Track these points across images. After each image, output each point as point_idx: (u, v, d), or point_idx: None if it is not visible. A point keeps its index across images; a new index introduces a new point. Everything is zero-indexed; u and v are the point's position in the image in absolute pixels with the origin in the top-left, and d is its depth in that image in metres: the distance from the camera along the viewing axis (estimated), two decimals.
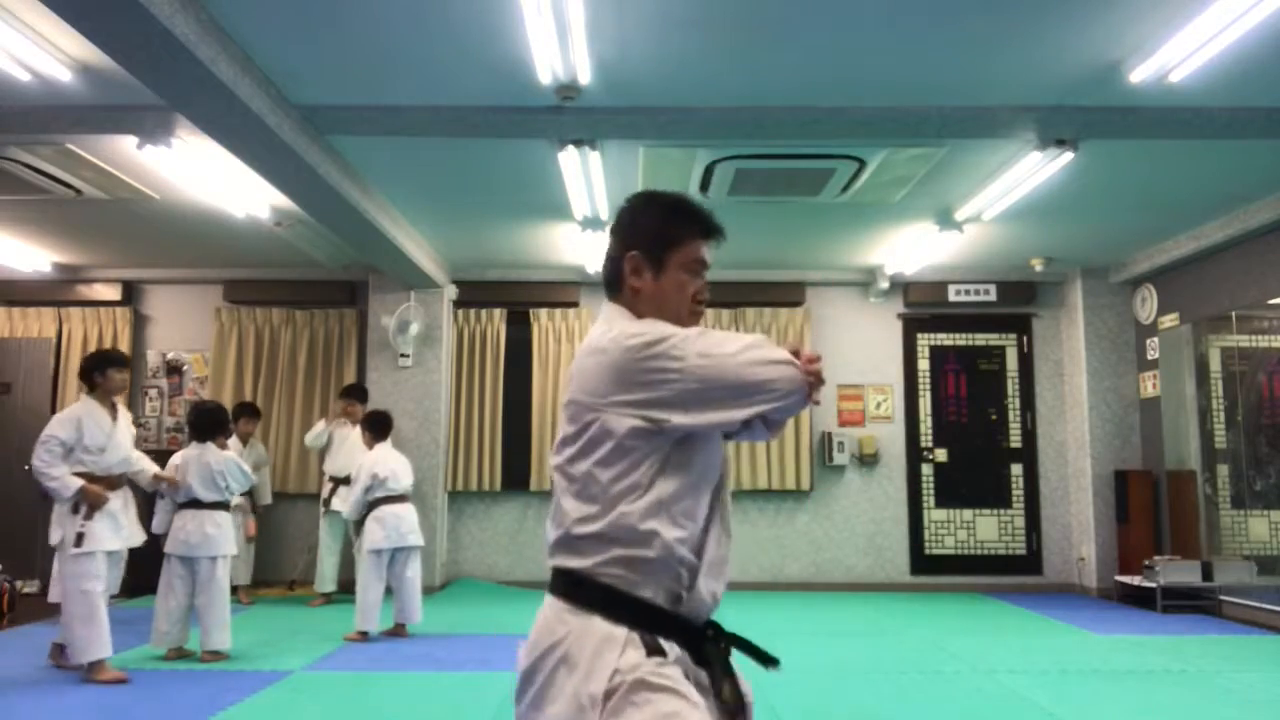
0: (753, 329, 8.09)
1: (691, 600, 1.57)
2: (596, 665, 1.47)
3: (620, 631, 1.50)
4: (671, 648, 1.52)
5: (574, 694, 1.46)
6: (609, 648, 1.48)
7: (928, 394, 8.27)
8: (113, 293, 8.15)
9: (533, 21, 3.55)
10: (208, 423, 5.28)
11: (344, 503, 6.76)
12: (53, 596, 4.87)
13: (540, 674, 1.53)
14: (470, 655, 5.22)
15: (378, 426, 5.95)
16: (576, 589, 1.55)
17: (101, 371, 4.82)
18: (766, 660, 1.66)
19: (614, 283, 1.73)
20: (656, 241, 1.70)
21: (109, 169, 5.43)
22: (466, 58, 3.99)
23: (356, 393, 7.27)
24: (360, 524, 5.88)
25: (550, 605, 1.58)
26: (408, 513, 5.81)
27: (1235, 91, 4.30)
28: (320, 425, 7.21)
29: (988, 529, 8.11)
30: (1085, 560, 7.86)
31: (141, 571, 6.50)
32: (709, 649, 1.58)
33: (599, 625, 1.51)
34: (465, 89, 4.32)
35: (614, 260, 1.73)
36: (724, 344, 1.52)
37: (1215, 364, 7.02)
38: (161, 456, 5.97)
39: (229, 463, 5.19)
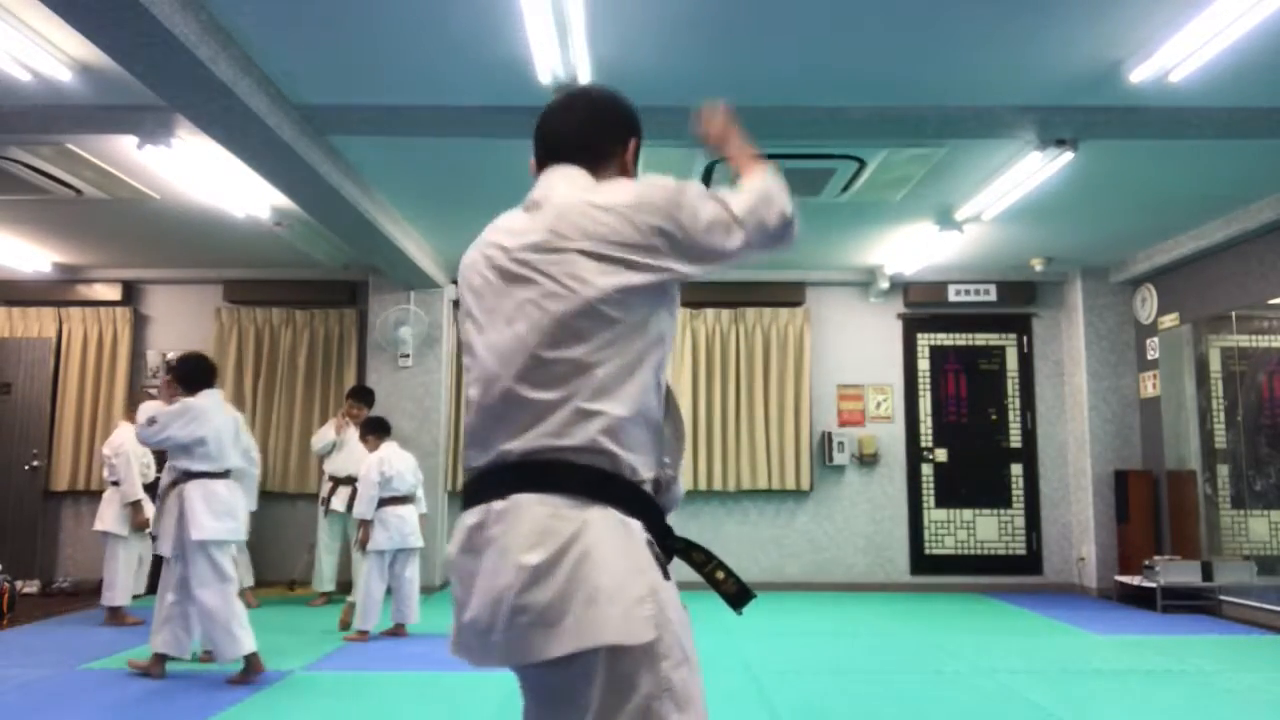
0: (753, 329, 8.11)
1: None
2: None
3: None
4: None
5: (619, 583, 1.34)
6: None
7: (928, 394, 8.27)
8: (113, 293, 8.15)
9: (533, 21, 3.55)
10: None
11: (344, 502, 6.77)
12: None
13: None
14: None
15: (380, 429, 5.94)
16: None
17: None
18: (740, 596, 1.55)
19: (604, 156, 1.66)
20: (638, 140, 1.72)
21: (109, 169, 5.43)
22: (466, 58, 4.00)
23: (364, 395, 7.26)
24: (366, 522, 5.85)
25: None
26: (410, 514, 5.81)
27: (1235, 91, 4.30)
28: (331, 433, 7.14)
29: (988, 529, 8.11)
30: (1085, 560, 7.87)
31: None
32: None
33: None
34: (465, 89, 4.32)
35: (619, 140, 1.69)
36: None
37: (1215, 364, 7.01)
38: (161, 456, 5.99)
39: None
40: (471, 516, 1.44)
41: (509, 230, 1.58)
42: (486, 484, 1.44)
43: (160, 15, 3.16)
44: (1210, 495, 6.96)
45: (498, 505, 1.40)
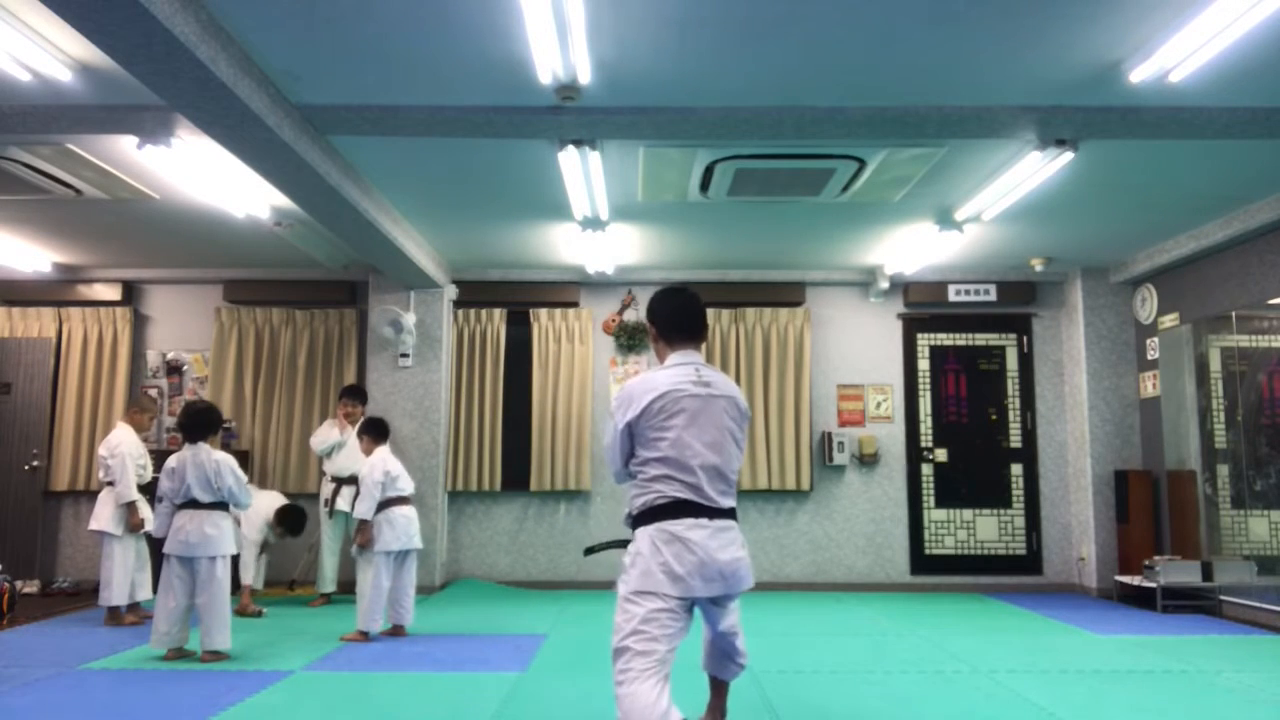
0: (753, 329, 8.11)
1: None
2: None
3: None
4: None
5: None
6: None
7: (928, 394, 8.27)
8: (113, 293, 8.15)
9: (533, 21, 3.55)
10: (198, 423, 5.20)
11: (349, 502, 6.78)
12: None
13: None
14: (470, 655, 5.22)
15: (378, 431, 5.94)
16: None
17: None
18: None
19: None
20: None
21: (109, 169, 5.43)
22: (466, 58, 3.99)
23: (357, 394, 7.27)
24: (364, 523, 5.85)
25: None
26: (414, 515, 5.85)
27: (1235, 91, 4.30)
28: (335, 434, 7.14)
29: (988, 529, 8.11)
30: (1085, 560, 7.87)
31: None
32: None
33: None
34: (465, 89, 4.31)
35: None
36: None
37: (1215, 364, 7.01)
38: (161, 456, 6.00)
39: (222, 464, 5.16)
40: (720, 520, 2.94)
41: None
42: (719, 510, 2.96)
43: (160, 15, 3.16)
44: (1210, 495, 6.96)
45: (724, 521, 2.96)
